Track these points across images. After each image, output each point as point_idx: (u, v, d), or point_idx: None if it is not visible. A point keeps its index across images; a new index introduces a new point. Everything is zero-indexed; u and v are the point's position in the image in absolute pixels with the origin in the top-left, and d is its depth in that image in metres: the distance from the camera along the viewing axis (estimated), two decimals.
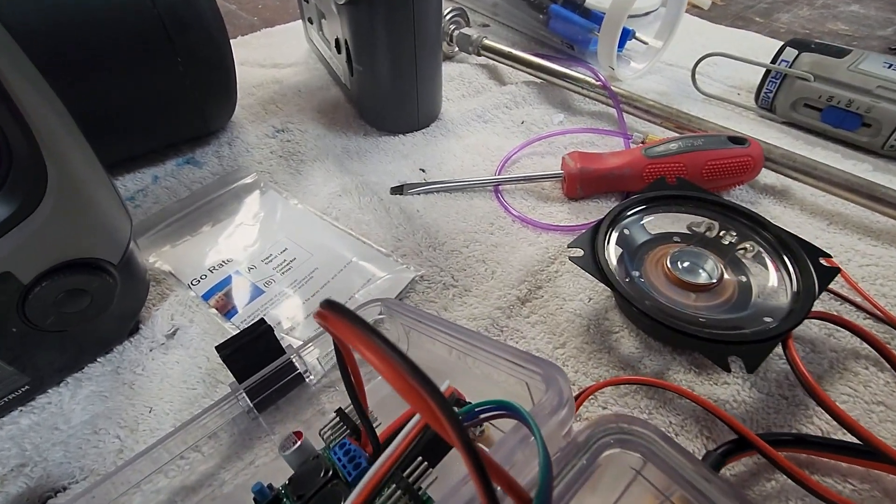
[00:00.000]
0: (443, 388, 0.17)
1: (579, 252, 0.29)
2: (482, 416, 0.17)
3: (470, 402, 0.18)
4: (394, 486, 0.14)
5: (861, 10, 0.66)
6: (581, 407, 0.26)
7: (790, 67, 0.42)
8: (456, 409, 0.18)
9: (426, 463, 0.16)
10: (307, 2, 0.50)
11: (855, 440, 0.21)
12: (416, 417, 0.15)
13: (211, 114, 0.41)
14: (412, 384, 0.09)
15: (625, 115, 0.44)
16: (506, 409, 0.15)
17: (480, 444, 0.20)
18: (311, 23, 0.52)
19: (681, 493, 0.14)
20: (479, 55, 0.52)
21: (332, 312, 0.11)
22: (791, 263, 0.28)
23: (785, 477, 0.22)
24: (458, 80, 0.51)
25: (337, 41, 0.43)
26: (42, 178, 0.22)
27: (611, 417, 0.15)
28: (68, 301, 0.25)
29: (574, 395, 0.25)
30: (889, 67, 0.39)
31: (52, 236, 0.23)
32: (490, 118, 0.46)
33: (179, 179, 0.40)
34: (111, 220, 0.26)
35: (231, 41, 0.60)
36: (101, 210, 0.25)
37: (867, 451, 0.21)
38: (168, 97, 0.37)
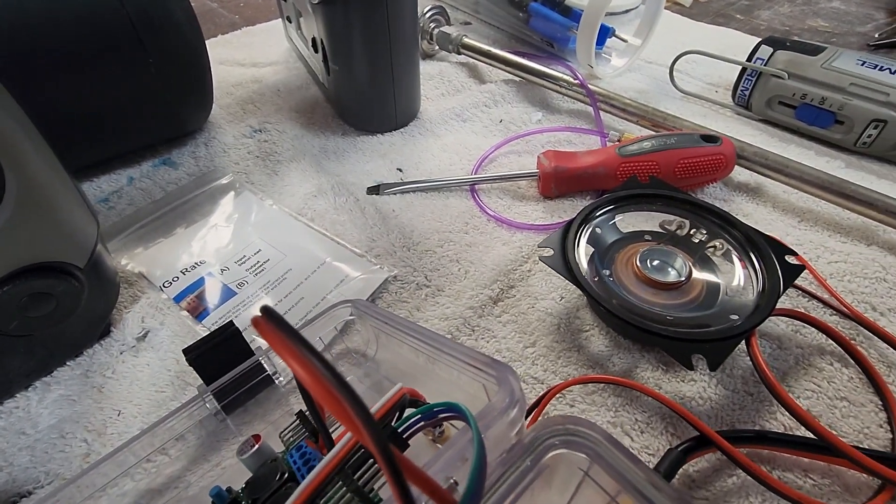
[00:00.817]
0: (395, 390, 0.17)
1: (549, 251, 0.29)
2: (440, 416, 0.18)
3: (428, 403, 0.18)
4: (341, 486, 0.14)
5: (842, 6, 0.66)
6: (548, 405, 0.26)
7: (765, 65, 0.43)
8: (412, 409, 0.18)
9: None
10: (285, 0, 0.50)
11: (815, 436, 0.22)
12: None
13: (186, 115, 0.41)
14: (333, 392, 0.09)
15: (602, 113, 0.44)
16: (454, 410, 0.15)
17: (440, 445, 0.20)
18: (290, 21, 0.51)
19: (624, 494, 0.14)
20: (459, 53, 0.52)
21: (264, 320, 0.11)
22: (758, 261, 0.28)
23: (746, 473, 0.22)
24: (437, 78, 0.51)
25: (314, 40, 0.43)
26: None
27: (558, 419, 0.15)
28: (33, 305, 0.24)
29: (541, 394, 0.26)
30: (862, 65, 0.40)
31: (12, 241, 0.23)
32: (469, 117, 0.46)
33: (155, 180, 0.40)
34: (76, 224, 0.26)
35: (212, 40, 0.60)
36: (64, 214, 0.25)
37: (824, 446, 0.21)
38: (141, 99, 0.37)
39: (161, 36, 0.35)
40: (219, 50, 0.57)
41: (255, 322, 0.11)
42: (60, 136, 0.35)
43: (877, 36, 0.57)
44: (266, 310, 0.12)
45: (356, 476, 0.15)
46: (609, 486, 0.15)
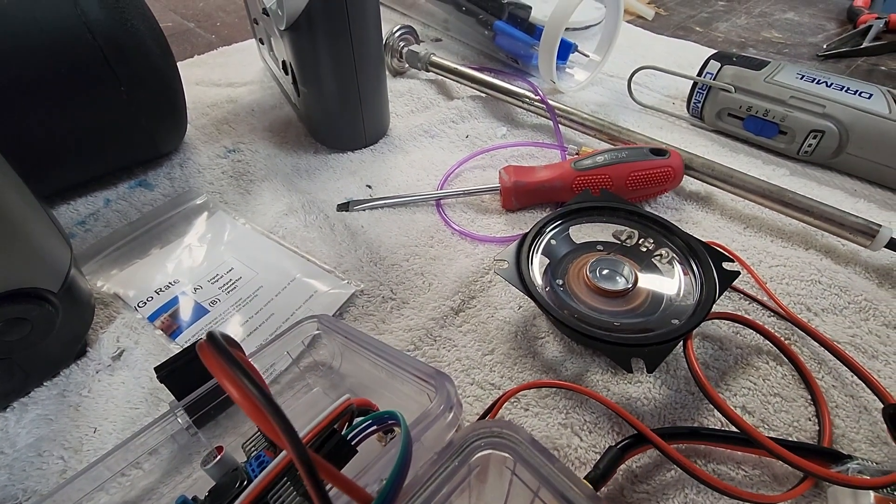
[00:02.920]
0: (341, 400, 0.18)
1: (505, 264, 0.31)
2: (388, 422, 0.19)
3: (378, 411, 0.20)
4: (290, 487, 0.16)
5: (795, 17, 0.69)
6: (503, 409, 0.28)
7: (714, 80, 0.45)
8: (360, 418, 0.19)
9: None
10: (257, 24, 0.52)
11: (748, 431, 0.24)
12: (308, 427, 0.17)
13: (160, 138, 0.42)
14: (262, 411, 0.11)
15: (563, 127, 0.46)
16: (393, 417, 0.17)
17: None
18: (263, 43, 0.53)
19: (545, 491, 0.16)
20: (428, 71, 0.54)
21: (206, 345, 0.13)
22: (697, 268, 0.30)
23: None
24: (407, 95, 0.53)
25: (284, 63, 0.45)
26: None
27: (486, 423, 0.17)
28: (8, 329, 0.26)
29: (496, 398, 0.27)
30: (801, 78, 0.42)
31: None
32: (436, 133, 0.48)
33: (131, 202, 0.41)
34: (48, 250, 0.27)
35: (188, 60, 0.61)
36: (36, 241, 0.26)
37: (748, 439, 0.23)
38: (114, 124, 0.38)
39: (132, 63, 0.36)
40: (195, 70, 0.58)
41: (199, 347, 0.13)
42: (36, 163, 0.37)
43: (825, 47, 0.60)
44: (211, 336, 0.13)
45: None
46: (531, 483, 0.16)
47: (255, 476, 0.19)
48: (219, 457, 0.20)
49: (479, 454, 0.16)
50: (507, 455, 0.16)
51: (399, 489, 0.12)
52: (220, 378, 0.12)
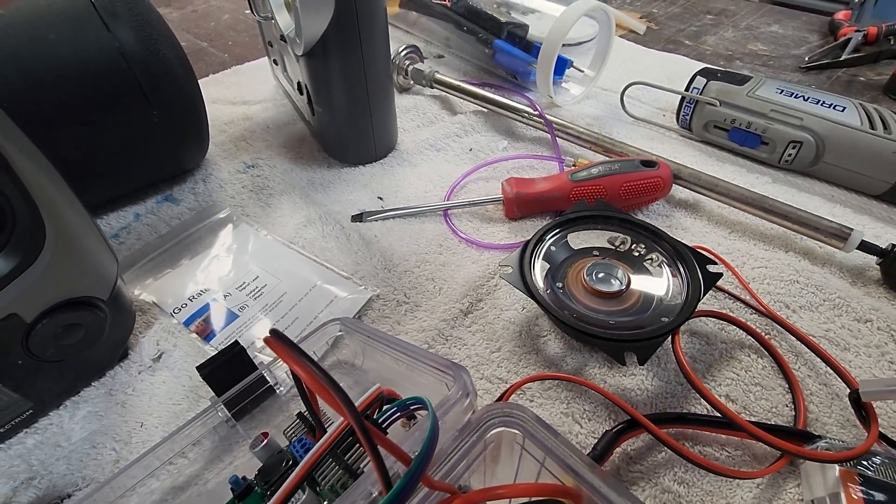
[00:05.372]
0: (373, 389, 0.21)
1: (509, 269, 0.34)
2: (411, 407, 0.22)
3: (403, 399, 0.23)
4: (333, 464, 0.19)
5: (780, 30, 0.73)
6: (510, 400, 0.31)
7: (700, 94, 0.48)
8: (388, 405, 0.22)
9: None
10: (272, 46, 0.55)
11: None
12: None
13: (186, 156, 0.45)
14: (326, 389, 0.14)
15: (560, 140, 0.50)
16: (419, 401, 0.20)
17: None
18: (277, 64, 0.56)
19: (550, 461, 0.19)
20: (432, 87, 0.57)
21: (273, 339, 0.16)
22: (684, 270, 0.33)
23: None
24: (413, 111, 0.56)
25: (299, 84, 0.48)
26: (41, 234, 0.26)
27: (498, 405, 0.20)
28: (65, 335, 0.29)
29: (504, 390, 0.30)
30: (780, 93, 0.45)
31: (50, 281, 0.27)
32: (442, 147, 0.51)
33: (159, 216, 0.44)
34: (100, 262, 0.30)
35: (204, 79, 0.65)
36: (90, 254, 0.29)
37: (729, 423, 0.26)
38: (146, 145, 0.41)
39: (162, 89, 0.40)
40: (211, 89, 0.61)
41: (267, 341, 0.16)
42: (75, 181, 0.40)
43: (807, 59, 0.63)
44: (274, 331, 0.16)
45: (346, 457, 0.20)
46: (538, 455, 0.19)
47: (299, 455, 0.22)
48: (265, 441, 0.23)
49: (493, 431, 0.19)
50: (516, 431, 0.19)
51: (432, 452, 0.15)
52: (289, 363, 0.14)
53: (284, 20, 0.44)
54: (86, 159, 0.39)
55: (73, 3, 0.37)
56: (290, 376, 0.32)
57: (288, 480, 0.18)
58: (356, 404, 0.21)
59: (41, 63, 0.35)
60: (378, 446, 0.14)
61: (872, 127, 0.42)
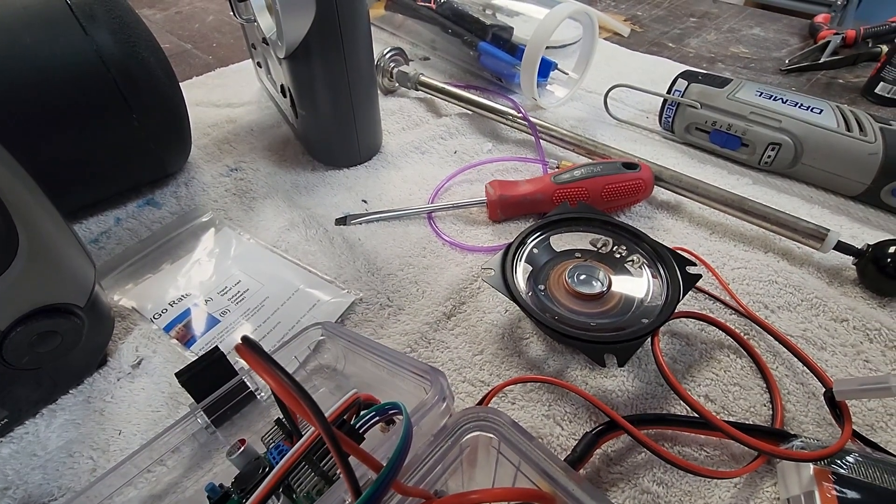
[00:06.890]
0: (349, 395, 0.21)
1: (491, 272, 0.34)
2: (389, 412, 0.22)
3: (380, 403, 0.23)
4: (309, 469, 0.19)
5: (761, 32, 0.74)
6: (492, 402, 0.31)
7: (682, 97, 0.49)
8: (365, 410, 0.22)
9: None
10: (255, 48, 0.55)
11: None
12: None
13: (167, 159, 0.45)
14: (295, 398, 0.14)
15: (544, 142, 0.50)
16: (395, 406, 0.20)
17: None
18: (261, 66, 0.56)
19: (525, 465, 0.19)
20: (417, 90, 0.57)
21: (244, 347, 0.15)
22: (664, 272, 0.33)
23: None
24: (398, 113, 0.56)
25: (282, 87, 0.48)
26: (14, 242, 0.25)
27: (473, 409, 0.20)
28: (41, 342, 0.28)
29: (485, 393, 0.30)
30: (759, 95, 0.46)
31: (24, 288, 0.27)
32: (427, 149, 0.51)
33: (140, 220, 0.44)
34: (76, 268, 0.30)
35: (187, 82, 0.64)
36: (66, 261, 0.29)
37: (706, 423, 0.27)
38: (126, 148, 0.41)
39: (142, 93, 0.39)
40: (195, 91, 0.61)
41: (238, 348, 0.16)
42: (53, 186, 0.39)
43: (787, 62, 0.64)
44: (245, 339, 0.16)
45: (322, 464, 0.20)
46: (513, 459, 0.19)
47: (276, 462, 0.21)
48: (242, 448, 0.23)
49: (469, 436, 0.19)
50: (492, 436, 0.19)
51: (404, 458, 0.15)
52: (259, 372, 0.14)
53: (266, 23, 0.44)
54: (64, 164, 0.38)
55: (50, 6, 0.36)
56: None
57: (261, 487, 0.17)
58: (332, 410, 0.21)
59: (17, 66, 0.34)
60: (348, 454, 0.14)
61: (848, 129, 0.42)
